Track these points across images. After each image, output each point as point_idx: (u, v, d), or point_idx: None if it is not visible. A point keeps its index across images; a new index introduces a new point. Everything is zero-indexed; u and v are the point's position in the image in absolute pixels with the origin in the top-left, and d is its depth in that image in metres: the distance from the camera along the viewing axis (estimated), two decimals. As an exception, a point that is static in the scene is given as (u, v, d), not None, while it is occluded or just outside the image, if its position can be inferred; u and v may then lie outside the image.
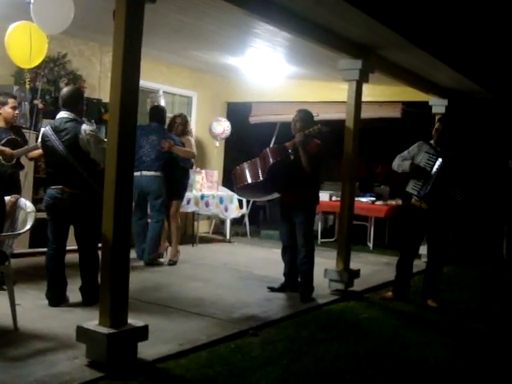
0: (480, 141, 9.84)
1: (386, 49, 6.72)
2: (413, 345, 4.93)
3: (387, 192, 10.86)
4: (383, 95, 9.35)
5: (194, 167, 10.13)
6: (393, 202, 10.07)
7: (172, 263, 7.54)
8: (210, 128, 10.34)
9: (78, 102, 5.38)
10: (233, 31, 6.72)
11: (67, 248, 5.39)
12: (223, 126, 10.34)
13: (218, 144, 10.51)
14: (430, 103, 9.16)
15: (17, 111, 6.03)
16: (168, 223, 7.76)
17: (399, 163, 6.33)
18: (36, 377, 3.60)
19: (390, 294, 6.48)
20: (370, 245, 9.95)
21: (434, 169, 6.09)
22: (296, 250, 6.20)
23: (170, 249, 7.81)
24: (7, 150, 5.76)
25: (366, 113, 7.38)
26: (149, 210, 7.55)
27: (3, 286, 5.18)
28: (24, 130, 6.31)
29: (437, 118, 9.12)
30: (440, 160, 6.10)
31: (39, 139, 5.42)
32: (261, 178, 5.88)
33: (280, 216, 6.37)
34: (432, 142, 6.31)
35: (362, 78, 6.57)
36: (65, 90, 5.50)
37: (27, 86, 6.52)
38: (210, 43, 7.69)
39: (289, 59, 8.19)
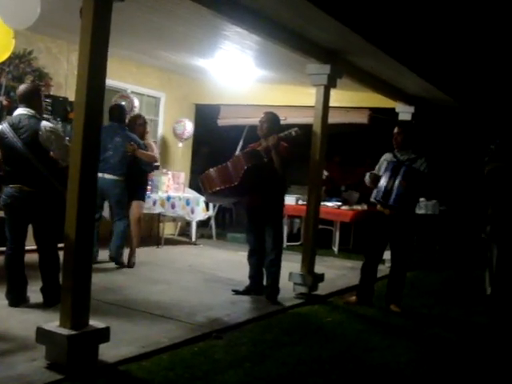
0: (446, 146, 10.00)
1: (355, 54, 6.78)
2: (375, 349, 4.97)
3: (356, 197, 10.92)
4: (351, 101, 9.42)
5: (161, 168, 10.09)
6: (358, 207, 10.15)
7: (132, 265, 7.37)
8: (173, 129, 10.31)
9: (36, 98, 5.23)
10: (202, 32, 6.69)
11: (28, 248, 5.30)
12: (184, 127, 10.29)
13: (180, 145, 10.46)
14: (396, 110, 9.26)
15: None
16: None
17: (366, 178, 6.51)
18: (-7, 379, 3.53)
19: (353, 298, 6.52)
20: (335, 249, 10.00)
21: (382, 173, 6.22)
22: (262, 253, 6.22)
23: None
24: None
25: (334, 118, 7.42)
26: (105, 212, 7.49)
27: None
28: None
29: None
30: (391, 164, 6.19)
31: None
32: (234, 183, 5.86)
33: (248, 219, 6.38)
34: (395, 150, 6.40)
35: (330, 83, 6.61)
36: (22, 86, 5.35)
37: (-9, 82, 6.41)
38: (179, 44, 7.66)
39: (258, 63, 8.20)
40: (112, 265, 7.22)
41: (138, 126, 7.60)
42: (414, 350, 5.06)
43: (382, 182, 6.16)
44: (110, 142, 7.13)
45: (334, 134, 8.09)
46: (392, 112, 9.30)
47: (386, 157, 6.43)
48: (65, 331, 3.78)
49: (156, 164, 8.00)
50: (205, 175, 6.11)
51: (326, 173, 10.26)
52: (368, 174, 6.44)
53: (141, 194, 7.64)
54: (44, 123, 5.11)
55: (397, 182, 6.06)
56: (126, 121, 7.57)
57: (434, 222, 10.04)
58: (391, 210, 6.18)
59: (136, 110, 9.16)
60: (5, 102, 6.82)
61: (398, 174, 6.10)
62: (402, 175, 6.07)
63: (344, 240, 10.19)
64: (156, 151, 7.82)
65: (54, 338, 3.78)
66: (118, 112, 7.49)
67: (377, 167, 6.52)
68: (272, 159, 5.99)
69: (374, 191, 6.35)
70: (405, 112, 9.20)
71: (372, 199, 6.41)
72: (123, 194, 7.25)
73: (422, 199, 10.03)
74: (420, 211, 9.80)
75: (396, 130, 6.38)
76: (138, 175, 7.46)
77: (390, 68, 7.28)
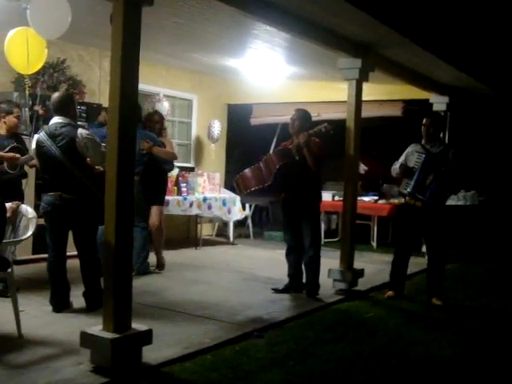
0: (484, 136, 9.83)
1: (386, 47, 6.71)
2: (418, 343, 4.91)
3: (395, 191, 10.80)
4: (383, 94, 9.33)
5: (196, 170, 10.15)
6: (395, 201, 10.03)
7: (160, 270, 7.16)
8: (208, 131, 10.35)
9: (69, 107, 5.30)
10: (231, 33, 6.71)
11: (70, 253, 5.38)
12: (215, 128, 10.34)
13: (213, 146, 10.49)
14: (430, 101, 9.14)
15: (20, 120, 6.06)
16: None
17: (393, 167, 6.44)
18: (41, 383, 3.58)
19: (390, 292, 6.47)
20: (374, 244, 9.93)
21: (418, 166, 6.15)
22: (300, 251, 6.20)
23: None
24: (14, 155, 5.75)
25: (367, 112, 7.36)
26: None
27: (8, 293, 5.18)
28: (24, 137, 6.32)
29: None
30: (424, 156, 6.14)
31: (33, 146, 5.34)
32: (268, 183, 5.87)
33: (284, 217, 6.37)
34: (423, 141, 6.33)
35: (362, 77, 6.56)
36: (55, 95, 5.42)
37: (27, 92, 6.52)
38: (209, 45, 7.69)
39: (288, 60, 8.18)
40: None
41: (155, 123, 7.19)
42: (457, 343, 4.98)
43: (417, 176, 6.10)
44: None
45: (368, 127, 8.01)
46: (426, 103, 9.19)
47: (415, 148, 6.35)
48: (108, 335, 3.82)
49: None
50: (239, 176, 6.13)
51: (365, 167, 10.20)
52: (398, 165, 6.37)
53: (160, 199, 7.23)
54: (80, 130, 5.19)
55: (431, 178, 6.04)
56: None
57: (474, 212, 9.88)
58: (422, 203, 6.12)
59: (168, 113, 9.24)
60: (41, 112, 6.93)
61: (433, 169, 6.06)
62: (438, 172, 6.04)
63: (382, 234, 10.10)
64: (174, 149, 7.42)
65: (97, 342, 3.83)
66: None
67: (403, 158, 6.43)
68: (304, 157, 5.97)
69: (403, 183, 6.30)
70: (439, 102, 9.09)
71: (402, 191, 6.34)
72: (138, 196, 6.37)
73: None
74: (459, 202, 9.68)
75: (425, 121, 6.30)
76: (156, 176, 7.03)
77: (422, 59, 7.19)
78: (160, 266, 7.20)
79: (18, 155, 5.79)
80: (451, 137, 9.42)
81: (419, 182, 6.11)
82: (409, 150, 6.44)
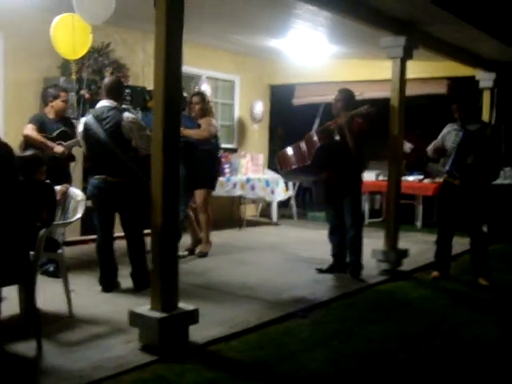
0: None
1: (429, 24, 6.59)
2: (464, 324, 4.88)
3: (440, 170, 10.65)
4: (428, 71, 9.18)
5: (239, 151, 10.18)
6: (441, 180, 9.89)
7: (201, 255, 7.02)
8: (251, 112, 10.36)
9: (121, 91, 5.49)
10: (273, 13, 6.69)
11: (116, 235, 5.49)
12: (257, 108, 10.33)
13: (256, 126, 10.50)
14: (476, 77, 8.96)
15: (67, 104, 6.16)
16: (195, 214, 7.15)
17: (430, 148, 6.42)
18: (92, 360, 3.70)
19: (436, 273, 6.42)
20: (419, 224, 9.83)
21: (456, 144, 6.09)
22: (343, 231, 6.20)
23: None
24: (58, 148, 5.83)
25: (411, 90, 7.25)
26: None
27: (58, 273, 5.33)
28: (73, 121, 6.44)
29: (484, 93, 8.98)
30: (461, 134, 6.09)
31: (80, 128, 5.43)
32: (308, 162, 5.87)
33: (326, 197, 6.36)
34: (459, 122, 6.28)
35: (406, 55, 6.47)
36: (106, 79, 5.61)
37: (73, 77, 6.63)
38: (251, 26, 7.67)
39: (330, 39, 8.11)
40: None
41: (194, 104, 7.03)
42: (504, 325, 4.93)
43: (455, 154, 6.06)
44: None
45: (413, 106, 7.92)
46: (472, 80, 9.00)
47: (452, 127, 6.30)
48: (156, 314, 3.91)
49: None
50: (281, 154, 6.15)
51: (411, 145, 10.06)
52: (433, 145, 6.34)
53: (203, 182, 6.94)
54: (126, 114, 5.27)
55: (472, 157, 6.00)
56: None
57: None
58: (461, 181, 6.06)
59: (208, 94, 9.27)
60: (87, 95, 7.04)
61: (472, 148, 6.01)
62: (473, 148, 6.00)
63: (427, 214, 9.99)
64: (211, 128, 6.95)
65: (145, 321, 3.92)
66: None
67: (440, 137, 6.38)
68: (345, 137, 5.93)
69: (443, 161, 6.30)
70: (485, 80, 8.90)
71: (441, 169, 6.32)
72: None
73: (507, 168, 9.71)
74: (505, 181, 9.49)
75: (454, 107, 6.24)
76: (196, 159, 6.84)
77: (467, 35, 7.04)
78: (202, 252, 7.07)
79: (59, 150, 5.86)
80: (499, 114, 9.23)
81: (457, 160, 6.06)
82: (445, 130, 6.40)
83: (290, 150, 6.04)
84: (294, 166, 5.98)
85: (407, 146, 9.95)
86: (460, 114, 6.21)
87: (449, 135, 6.28)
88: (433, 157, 6.39)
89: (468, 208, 6.18)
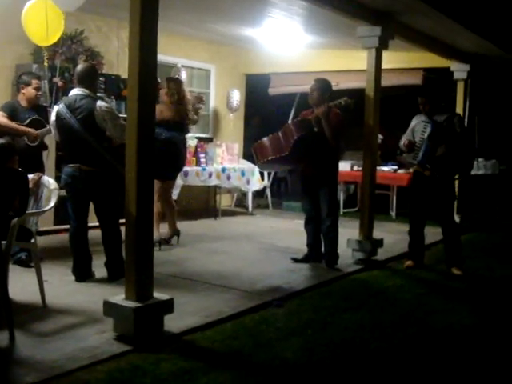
0: (504, 104, 9.70)
1: (406, 14, 6.61)
2: (438, 312, 4.94)
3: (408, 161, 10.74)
4: (403, 62, 9.23)
5: (215, 140, 10.14)
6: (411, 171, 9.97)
7: (162, 242, 6.81)
8: (227, 101, 10.29)
9: (94, 79, 5.39)
10: (249, 1, 6.65)
11: (91, 224, 5.44)
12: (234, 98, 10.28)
13: (231, 116, 10.46)
14: (451, 69, 9.04)
15: (40, 92, 6.06)
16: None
17: (402, 143, 6.45)
18: (66, 351, 3.66)
19: (409, 262, 6.48)
20: (393, 213, 9.91)
21: (425, 135, 6.14)
22: (319, 221, 6.22)
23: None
24: (32, 131, 5.79)
25: (387, 80, 7.30)
26: None
27: (30, 263, 5.27)
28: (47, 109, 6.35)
29: (458, 84, 9.05)
30: (430, 125, 6.14)
31: (52, 117, 5.38)
32: (285, 153, 5.86)
33: (302, 187, 6.37)
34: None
35: (382, 45, 6.49)
36: (79, 66, 5.51)
37: (45, 64, 6.53)
38: (227, 15, 7.63)
39: (306, 28, 8.11)
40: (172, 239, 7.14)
41: (171, 90, 6.86)
42: (477, 312, 5.00)
43: (425, 146, 6.11)
44: None
45: (389, 96, 7.96)
46: (447, 71, 9.07)
47: (420, 119, 6.34)
48: (131, 304, 3.88)
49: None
50: (257, 144, 6.13)
51: (380, 136, 10.11)
52: (405, 139, 6.38)
53: (162, 173, 6.47)
54: (99, 103, 5.20)
55: (442, 148, 6.06)
56: None
57: (494, 181, 9.81)
58: (431, 172, 6.11)
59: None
60: (60, 83, 6.94)
61: (441, 138, 6.06)
62: (442, 139, 6.05)
63: (401, 204, 10.06)
64: (164, 113, 6.65)
65: (120, 311, 3.90)
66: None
67: (409, 130, 6.43)
68: (323, 128, 5.94)
69: (413, 153, 6.31)
70: (460, 70, 8.98)
71: (411, 161, 6.36)
72: None
73: (480, 159, 9.83)
74: (479, 171, 9.61)
75: (420, 100, 6.28)
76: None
77: (443, 26, 7.09)
78: (170, 236, 7.00)
79: (34, 131, 5.80)
80: (472, 105, 9.32)
81: (428, 152, 6.11)
82: (413, 122, 6.45)
83: (266, 141, 6.02)
84: (271, 157, 5.96)
85: (378, 138, 10.01)
86: (425, 107, 6.25)
87: (417, 127, 6.32)
88: (405, 151, 6.42)
89: (439, 198, 6.24)
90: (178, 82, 7.04)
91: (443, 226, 6.36)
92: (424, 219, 6.45)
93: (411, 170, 9.82)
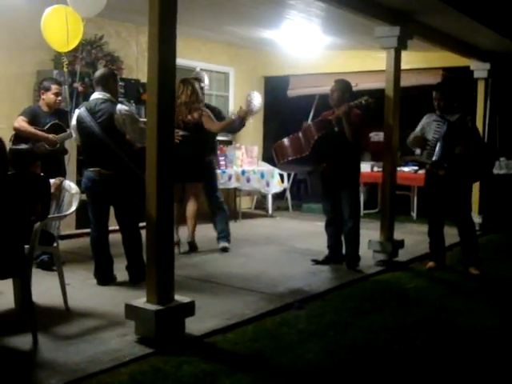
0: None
1: (424, 14, 6.57)
2: (460, 313, 4.89)
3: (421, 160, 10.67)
4: (422, 62, 9.17)
5: (234, 143, 10.14)
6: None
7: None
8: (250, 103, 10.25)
9: (112, 83, 5.37)
10: (267, 4, 6.66)
11: (111, 228, 5.47)
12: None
13: (250, 118, 10.41)
14: (471, 68, 8.95)
15: (59, 97, 6.11)
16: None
17: (409, 140, 6.39)
18: (88, 354, 3.69)
19: (431, 263, 6.43)
20: (414, 214, 9.85)
21: (438, 134, 6.07)
22: (340, 223, 6.20)
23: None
24: (50, 137, 5.85)
25: (406, 81, 7.26)
26: None
27: (53, 266, 5.32)
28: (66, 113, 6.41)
29: (479, 83, 8.97)
30: (445, 124, 6.07)
31: (73, 121, 5.42)
32: (305, 153, 5.85)
33: (323, 189, 6.35)
34: (437, 112, 6.26)
35: (401, 45, 6.46)
36: (98, 71, 5.55)
37: (65, 70, 6.59)
38: (245, 17, 7.64)
39: (325, 29, 8.08)
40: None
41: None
42: (499, 313, 4.95)
43: (440, 145, 6.04)
44: None
45: (408, 96, 7.90)
46: (467, 70, 8.99)
47: (432, 118, 6.27)
48: (152, 307, 3.90)
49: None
50: (278, 145, 6.12)
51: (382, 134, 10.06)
52: (412, 136, 6.31)
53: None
54: (119, 106, 5.23)
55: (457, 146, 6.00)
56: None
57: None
58: (446, 171, 6.06)
59: (206, 88, 9.21)
60: (80, 88, 7.01)
61: (454, 138, 5.99)
62: (458, 138, 5.99)
63: (422, 205, 9.98)
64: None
65: (142, 314, 3.92)
66: None
67: (419, 128, 6.36)
68: (343, 128, 5.92)
69: (425, 152, 6.24)
70: (480, 70, 8.89)
71: (426, 160, 6.27)
72: None
73: (502, 158, 9.72)
74: (501, 171, 9.51)
75: (435, 95, 6.21)
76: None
77: (462, 25, 7.03)
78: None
79: (53, 137, 5.85)
80: (493, 104, 9.23)
81: (444, 151, 6.04)
82: (424, 120, 6.37)
83: (287, 141, 6.02)
84: (291, 157, 5.95)
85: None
86: (440, 103, 6.17)
87: (429, 126, 6.24)
88: (413, 148, 6.36)
89: (454, 198, 6.17)
90: (185, 83, 6.85)
91: (459, 225, 6.31)
92: (442, 219, 6.39)
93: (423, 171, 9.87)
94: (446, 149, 6.04)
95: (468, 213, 6.38)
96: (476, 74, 8.94)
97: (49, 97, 5.98)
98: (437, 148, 6.09)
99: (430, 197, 6.43)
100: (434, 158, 6.14)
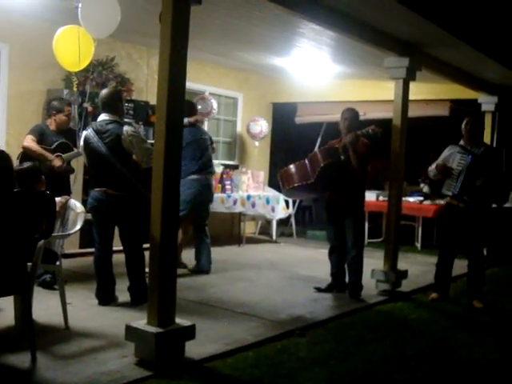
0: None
1: (433, 46, 6.63)
2: (462, 346, 4.85)
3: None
4: (430, 93, 9.23)
5: (240, 168, 10.18)
6: (441, 202, 9.86)
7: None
8: (247, 128, 10.32)
9: (117, 104, 5.38)
10: (277, 31, 6.72)
11: (115, 248, 5.47)
12: (260, 126, 10.26)
13: (257, 144, 10.47)
14: (479, 101, 8.99)
15: (70, 118, 6.17)
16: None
17: (430, 168, 6.35)
18: (87, 374, 3.66)
19: (434, 294, 6.39)
20: (418, 245, 9.82)
21: (462, 166, 6.05)
22: (343, 250, 6.18)
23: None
24: (57, 161, 5.85)
25: (414, 111, 7.28)
26: None
27: (54, 285, 5.31)
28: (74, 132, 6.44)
29: (486, 116, 8.99)
30: (469, 157, 6.04)
31: (81, 142, 5.45)
32: (311, 180, 5.86)
33: (327, 216, 6.34)
34: (462, 142, 6.23)
35: (409, 76, 6.49)
36: (103, 92, 5.51)
37: (75, 89, 6.65)
38: (256, 44, 7.71)
39: (334, 58, 8.15)
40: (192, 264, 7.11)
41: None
42: (502, 347, 4.90)
43: (463, 177, 6.02)
44: (204, 142, 7.00)
45: (416, 127, 7.92)
46: (474, 103, 9.03)
47: (455, 149, 6.23)
48: (152, 329, 3.88)
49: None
50: (284, 171, 6.15)
51: None
52: (435, 165, 6.26)
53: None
54: (126, 128, 5.27)
55: (481, 180, 5.95)
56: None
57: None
58: (465, 204, 6.03)
59: (215, 113, 9.29)
60: (90, 109, 7.05)
61: (478, 171, 5.97)
62: (481, 171, 5.96)
63: (427, 236, 9.98)
64: None
65: (142, 336, 3.90)
66: (194, 109, 7.20)
67: (441, 159, 6.31)
68: (349, 157, 5.94)
69: (446, 183, 6.20)
70: (488, 103, 8.93)
71: (446, 192, 6.25)
72: None
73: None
74: (507, 204, 9.47)
75: (468, 120, 6.20)
76: None
77: (470, 58, 7.08)
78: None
79: (57, 160, 5.86)
80: (500, 137, 9.25)
81: (466, 183, 6.03)
82: (447, 152, 6.33)
83: (293, 168, 6.04)
84: (297, 184, 5.97)
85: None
86: (472, 130, 6.12)
87: (452, 157, 6.21)
88: (436, 178, 6.31)
89: (471, 231, 6.14)
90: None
91: (471, 258, 6.26)
92: (455, 252, 6.35)
93: (442, 202, 9.84)
94: (468, 182, 6.01)
95: (481, 246, 6.33)
96: (484, 107, 8.98)
97: (61, 118, 6.03)
98: (459, 181, 6.06)
99: (445, 229, 6.38)
100: (455, 191, 6.11)
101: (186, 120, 6.58)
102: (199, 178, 6.82)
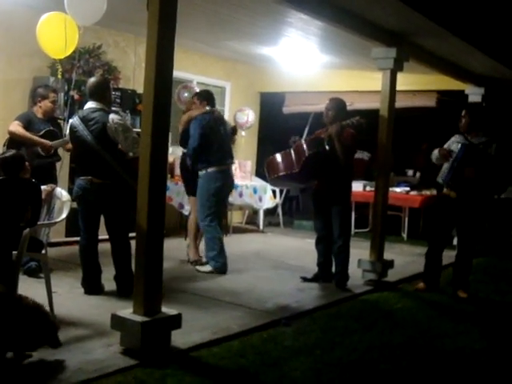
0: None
1: (421, 37, 6.63)
2: (447, 335, 4.89)
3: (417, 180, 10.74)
4: (417, 84, 9.24)
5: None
6: (427, 192, 9.94)
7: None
8: (234, 118, 10.29)
9: (105, 92, 5.34)
10: (266, 21, 6.70)
11: (101, 237, 5.45)
12: (247, 116, 10.22)
13: (243, 133, 10.45)
14: (466, 92, 9.03)
15: (56, 105, 6.13)
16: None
17: (433, 153, 6.30)
18: (72, 363, 3.65)
19: (421, 284, 6.42)
20: (405, 235, 9.86)
21: (456, 155, 6.04)
22: (330, 240, 6.19)
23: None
24: (46, 142, 5.85)
25: (401, 102, 7.30)
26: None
27: (40, 273, 5.29)
28: (60, 121, 6.40)
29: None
30: (461, 146, 6.04)
31: (67, 130, 5.43)
32: (296, 170, 5.87)
33: (314, 206, 6.35)
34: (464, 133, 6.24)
35: (396, 67, 6.50)
36: (91, 80, 5.49)
37: (59, 77, 6.59)
38: (244, 33, 7.68)
39: (322, 48, 8.14)
40: (182, 255, 7.13)
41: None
42: (487, 336, 4.94)
43: (451, 164, 6.04)
44: (222, 129, 6.77)
45: (403, 117, 7.94)
46: (461, 94, 9.07)
47: (458, 138, 6.23)
48: (138, 318, 3.87)
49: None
50: (270, 160, 6.16)
51: (368, 154, 10.16)
52: (437, 150, 6.24)
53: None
54: (112, 116, 5.23)
55: (472, 170, 5.93)
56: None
57: (507, 206, 9.73)
58: (457, 194, 6.05)
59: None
60: (76, 96, 7.01)
61: (472, 161, 5.96)
62: (475, 160, 5.94)
63: (413, 226, 10.02)
64: None
65: (128, 325, 3.89)
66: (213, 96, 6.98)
67: (445, 147, 6.29)
68: (335, 147, 5.94)
69: (441, 172, 6.22)
70: (474, 94, 8.97)
71: (438, 180, 6.27)
72: None
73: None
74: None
75: (463, 113, 6.21)
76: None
77: (458, 49, 7.09)
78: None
79: (48, 142, 5.86)
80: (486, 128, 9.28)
81: (454, 172, 6.03)
82: (452, 139, 6.31)
83: (278, 157, 6.05)
84: (282, 173, 5.98)
85: (365, 155, 10.07)
86: (462, 120, 6.13)
87: (452, 146, 6.20)
88: (438, 163, 6.28)
89: (463, 221, 6.15)
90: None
91: (460, 248, 6.28)
92: (445, 243, 6.37)
93: (423, 192, 9.89)
94: (458, 171, 6.00)
95: (473, 238, 6.28)
96: (470, 99, 9.01)
97: (46, 105, 5.99)
98: (448, 168, 6.07)
99: (437, 219, 6.37)
100: (444, 179, 6.13)
101: (208, 108, 6.64)
102: (223, 169, 6.61)
